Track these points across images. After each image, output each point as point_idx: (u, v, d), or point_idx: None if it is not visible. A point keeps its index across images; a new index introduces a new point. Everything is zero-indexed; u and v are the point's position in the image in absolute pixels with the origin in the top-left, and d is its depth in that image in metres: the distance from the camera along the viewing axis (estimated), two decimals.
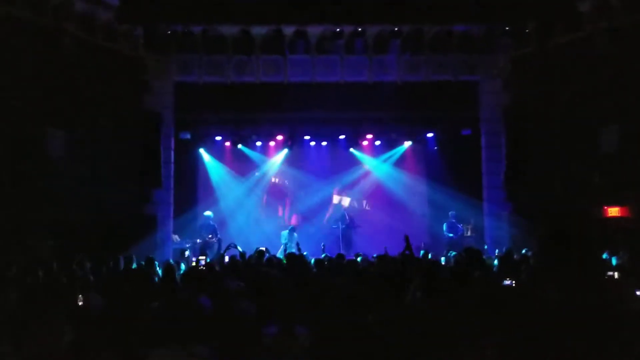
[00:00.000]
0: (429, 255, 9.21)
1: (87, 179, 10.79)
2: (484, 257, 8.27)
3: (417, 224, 14.40)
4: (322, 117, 13.59)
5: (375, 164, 15.30)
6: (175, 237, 12.74)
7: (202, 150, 14.71)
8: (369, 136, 14.78)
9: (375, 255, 8.63)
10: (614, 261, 7.99)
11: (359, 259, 8.72)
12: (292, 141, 14.70)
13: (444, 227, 13.37)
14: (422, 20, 12.34)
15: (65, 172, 10.56)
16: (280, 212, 15.28)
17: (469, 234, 13.40)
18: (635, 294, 4.69)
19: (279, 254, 11.06)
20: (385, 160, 15.27)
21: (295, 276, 6.04)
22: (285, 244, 13.03)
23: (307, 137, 14.82)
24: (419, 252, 9.42)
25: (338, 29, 12.50)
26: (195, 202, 14.27)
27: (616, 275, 6.14)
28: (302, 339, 3.79)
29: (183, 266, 8.46)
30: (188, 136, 13.73)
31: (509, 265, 7.18)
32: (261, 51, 12.60)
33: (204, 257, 8.88)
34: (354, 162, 15.29)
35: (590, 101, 11.19)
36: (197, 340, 3.02)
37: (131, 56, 12.20)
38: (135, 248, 9.90)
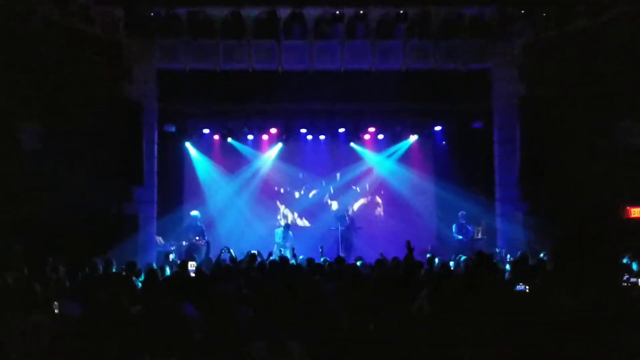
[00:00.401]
0: (436, 260, 9.26)
1: (62, 175, 10.80)
2: (496, 261, 8.36)
3: (423, 226, 14.46)
4: (320, 109, 13.62)
5: (378, 160, 15.33)
6: (159, 239, 12.78)
7: (188, 145, 14.72)
8: (371, 129, 14.80)
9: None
10: (634, 267, 8.06)
11: (358, 263, 8.79)
12: (287, 135, 14.72)
13: (453, 228, 13.42)
14: (430, 3, 12.37)
15: (38, 168, 10.58)
16: (273, 212, 15.30)
17: (479, 236, 13.45)
18: None
19: (274, 256, 11.12)
20: (389, 156, 15.29)
21: (287, 283, 6.11)
22: (280, 244, 13.10)
23: (303, 131, 14.83)
24: (425, 256, 9.49)
25: (338, 12, 12.52)
26: (181, 201, 14.29)
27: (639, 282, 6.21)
28: (295, 355, 3.84)
29: (168, 271, 8.51)
30: (173, 129, 13.75)
31: (522, 271, 7.24)
32: (253, 35, 12.61)
33: (193, 262, 8.92)
34: (355, 157, 15.31)
35: (613, 91, 11.22)
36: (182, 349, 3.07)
37: (110, 40, 12.20)
38: (115, 251, 9.96)
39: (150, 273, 7.02)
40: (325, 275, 7.54)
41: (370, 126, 14.70)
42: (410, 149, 15.26)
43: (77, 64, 11.33)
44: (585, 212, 10.84)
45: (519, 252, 9.57)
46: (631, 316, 3.44)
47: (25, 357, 3.20)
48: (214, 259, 9.21)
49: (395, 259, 8.30)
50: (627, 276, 7.29)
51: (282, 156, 15.19)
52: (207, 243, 12.47)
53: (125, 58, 12.41)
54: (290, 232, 13.58)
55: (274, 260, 9.07)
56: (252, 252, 9.32)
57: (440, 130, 14.76)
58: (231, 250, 9.26)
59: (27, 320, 3.42)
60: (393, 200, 15.20)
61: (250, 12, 12.51)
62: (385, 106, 13.48)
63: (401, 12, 12.50)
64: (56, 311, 4.86)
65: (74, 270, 7.57)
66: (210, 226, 13.69)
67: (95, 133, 11.48)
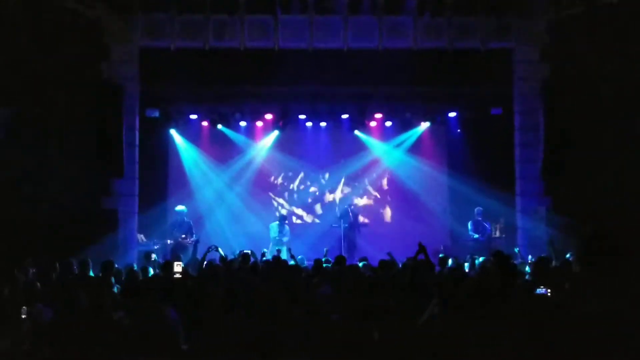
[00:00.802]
0: (450, 261, 9.27)
1: (33, 166, 10.79)
2: (517, 263, 8.34)
3: (435, 223, 14.49)
4: (320, 92, 13.60)
5: (386, 150, 15.34)
6: (141, 237, 12.79)
7: (173, 132, 14.72)
8: (378, 116, 14.79)
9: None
10: None
11: (361, 264, 8.79)
12: (284, 121, 14.73)
13: (469, 226, 13.44)
14: None
15: (6, 157, 10.56)
16: (268, 207, 15.31)
17: (498, 234, 13.47)
18: None
19: (269, 254, 11.14)
20: (397, 146, 15.30)
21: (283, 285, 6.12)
22: (275, 239, 13.14)
23: (302, 117, 14.83)
24: (437, 257, 9.48)
25: None
26: (165, 195, 14.32)
27: None
28: None
29: (151, 272, 8.51)
30: (156, 114, 13.72)
31: (545, 273, 7.23)
32: (247, 10, 12.56)
33: (179, 263, 8.93)
34: (360, 147, 15.33)
35: None
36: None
37: (87, 16, 12.15)
38: (92, 250, 9.95)
39: (130, 275, 7.02)
40: (324, 276, 7.55)
41: (377, 112, 14.68)
42: (421, 138, 15.26)
43: (50, 41, 11.30)
44: (616, 208, 10.83)
45: (541, 253, 9.56)
46: None
47: None
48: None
49: (409, 259, 8.27)
50: None
51: (279, 145, 15.19)
52: (196, 241, 12.47)
53: (104, 35, 12.36)
54: (287, 226, 13.56)
55: (268, 260, 9.07)
56: (245, 251, 9.33)
57: (455, 116, 14.74)
58: (220, 249, 9.26)
59: None
60: (402, 195, 15.20)
61: None
62: (394, 89, 13.46)
63: None
64: (23, 316, 4.86)
65: (47, 272, 7.57)
66: (197, 223, 13.69)
67: (69, 118, 11.48)
